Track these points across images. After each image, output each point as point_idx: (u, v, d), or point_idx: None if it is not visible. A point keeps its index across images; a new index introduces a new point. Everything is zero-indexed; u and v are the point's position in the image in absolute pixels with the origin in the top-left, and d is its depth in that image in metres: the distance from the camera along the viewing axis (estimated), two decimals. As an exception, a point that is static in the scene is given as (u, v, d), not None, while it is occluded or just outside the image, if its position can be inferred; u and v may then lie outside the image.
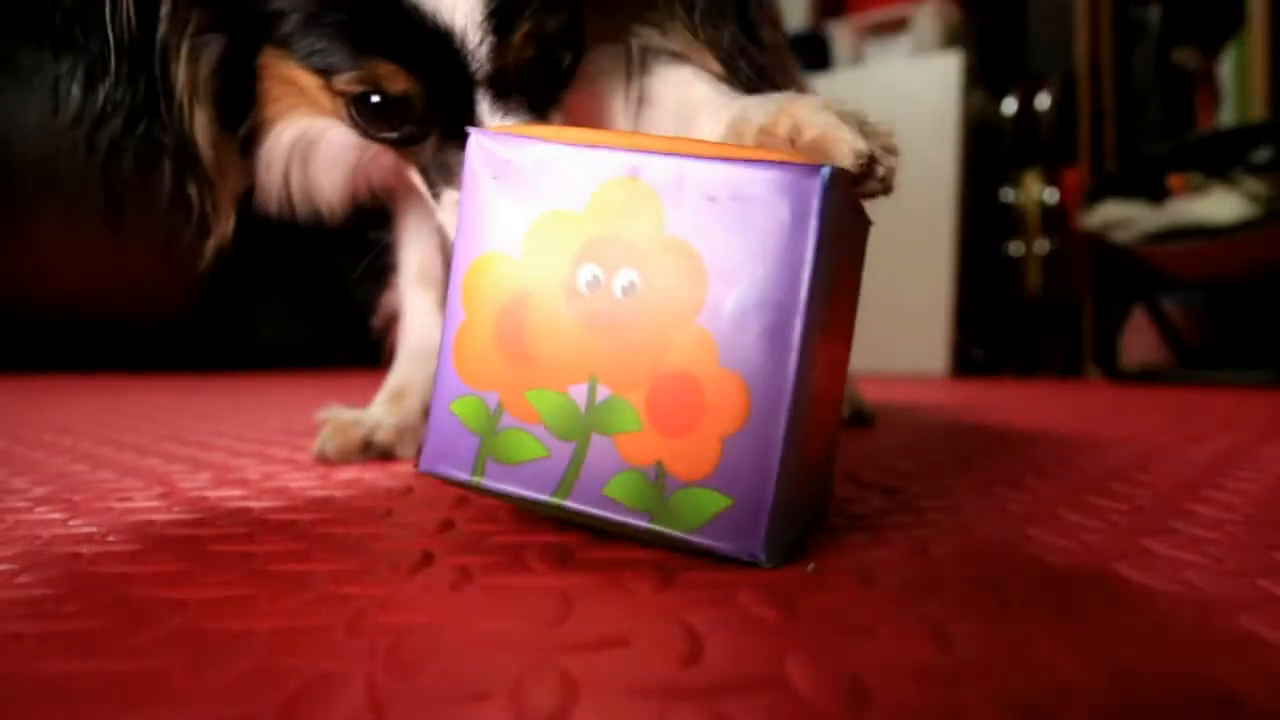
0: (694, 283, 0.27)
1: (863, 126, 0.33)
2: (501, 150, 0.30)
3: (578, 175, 0.29)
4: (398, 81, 0.39)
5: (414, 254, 0.63)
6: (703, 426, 0.27)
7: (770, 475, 0.27)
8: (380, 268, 0.66)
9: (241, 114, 0.46)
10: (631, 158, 0.28)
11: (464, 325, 0.30)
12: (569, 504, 0.29)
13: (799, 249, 0.26)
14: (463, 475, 0.30)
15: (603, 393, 0.28)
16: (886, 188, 0.32)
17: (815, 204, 0.26)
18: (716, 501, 0.27)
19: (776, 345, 0.26)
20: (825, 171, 0.27)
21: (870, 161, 0.31)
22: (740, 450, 0.27)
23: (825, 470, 0.34)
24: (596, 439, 0.28)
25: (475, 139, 0.31)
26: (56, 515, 0.36)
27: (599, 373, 0.28)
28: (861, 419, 0.74)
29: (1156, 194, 1.64)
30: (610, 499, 0.28)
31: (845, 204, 0.29)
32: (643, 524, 0.28)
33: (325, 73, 0.40)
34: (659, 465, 0.28)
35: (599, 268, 0.28)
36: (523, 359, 0.29)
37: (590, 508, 0.29)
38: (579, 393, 0.29)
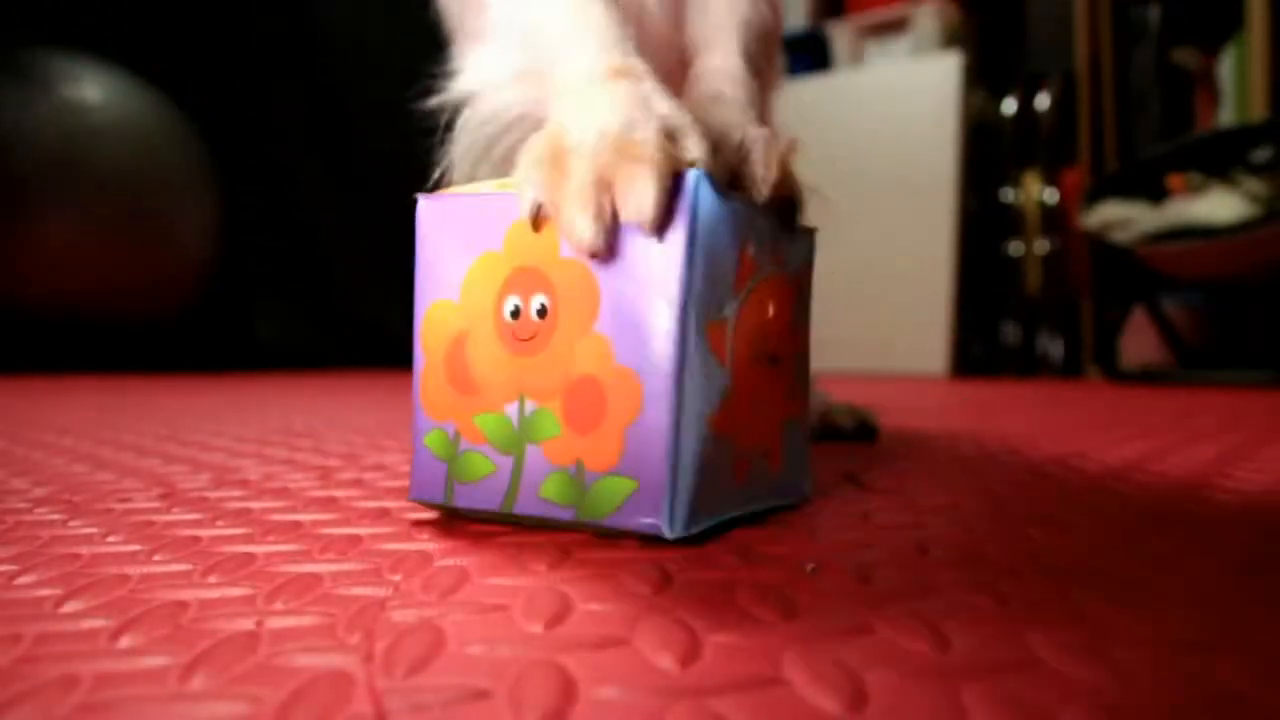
0: (588, 294, 0.30)
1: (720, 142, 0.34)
2: (442, 208, 0.34)
3: (496, 219, 0.32)
4: None
5: None
6: (607, 421, 0.30)
7: (664, 454, 0.29)
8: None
9: None
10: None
11: (425, 367, 0.34)
12: (515, 511, 0.32)
13: (674, 247, 0.29)
14: (438, 499, 0.34)
15: (530, 406, 0.32)
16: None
17: (684, 203, 0.29)
18: (625, 486, 0.30)
19: (659, 338, 0.29)
20: (691, 174, 0.29)
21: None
22: (639, 437, 0.30)
23: (778, 458, 0.37)
24: (530, 449, 0.32)
25: (423, 201, 0.34)
26: (56, 515, 0.36)
27: (526, 389, 0.32)
28: (866, 433, 0.68)
29: (1156, 194, 1.64)
30: (544, 499, 0.32)
31: (738, 207, 0.32)
32: (568, 517, 0.31)
33: None
34: (579, 462, 0.31)
35: (518, 297, 0.32)
36: (468, 388, 0.33)
37: (531, 511, 0.32)
38: (512, 410, 0.32)
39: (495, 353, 0.32)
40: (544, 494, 0.32)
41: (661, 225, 0.29)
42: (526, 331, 0.32)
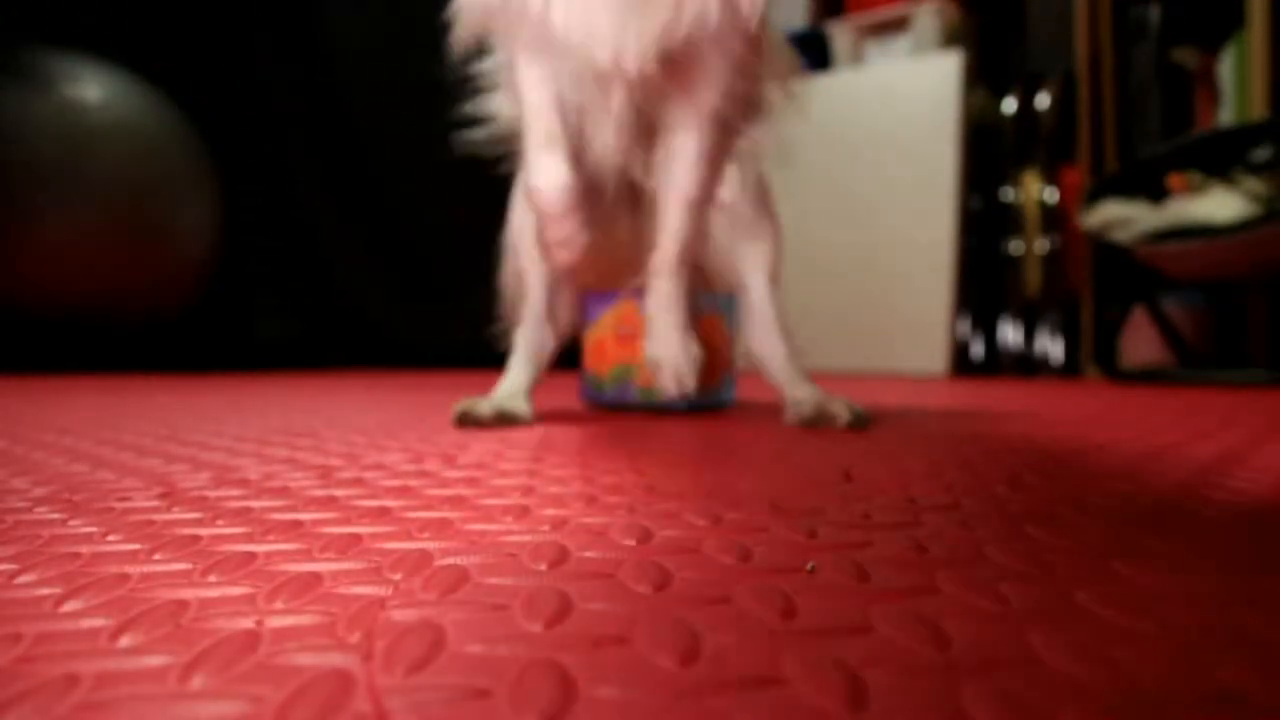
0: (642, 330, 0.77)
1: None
2: (590, 296, 0.92)
3: (611, 299, 0.90)
4: None
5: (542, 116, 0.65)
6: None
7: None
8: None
9: None
10: (622, 293, 0.87)
11: (585, 351, 0.94)
12: (627, 400, 0.91)
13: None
14: (593, 400, 0.94)
15: (625, 366, 0.91)
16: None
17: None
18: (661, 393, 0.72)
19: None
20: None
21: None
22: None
23: (721, 387, 0.93)
24: (629, 382, 0.91)
25: (590, 294, 0.91)
26: (56, 515, 0.36)
27: (623, 360, 0.91)
28: (859, 423, 0.75)
29: (1156, 194, 1.64)
30: (635, 399, 0.91)
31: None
32: (642, 404, 0.91)
33: None
34: (649, 385, 0.84)
35: (622, 326, 0.90)
36: (603, 358, 0.92)
37: (630, 402, 0.91)
38: (622, 367, 0.91)
39: (614, 345, 0.90)
40: (636, 396, 0.90)
41: None
42: (625, 340, 0.89)
